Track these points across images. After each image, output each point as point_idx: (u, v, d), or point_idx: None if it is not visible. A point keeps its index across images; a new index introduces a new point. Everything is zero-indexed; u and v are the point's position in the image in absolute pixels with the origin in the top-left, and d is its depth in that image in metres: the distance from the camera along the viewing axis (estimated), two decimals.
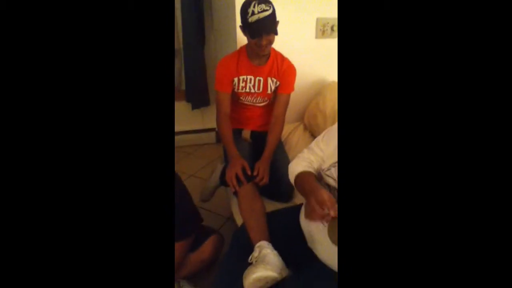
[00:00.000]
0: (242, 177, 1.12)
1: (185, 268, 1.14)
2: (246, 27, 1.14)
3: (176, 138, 2.33)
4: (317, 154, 0.95)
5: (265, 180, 1.15)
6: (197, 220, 1.16)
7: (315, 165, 0.94)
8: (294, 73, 1.32)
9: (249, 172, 1.14)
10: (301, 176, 0.91)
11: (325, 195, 0.76)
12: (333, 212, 0.72)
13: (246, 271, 0.82)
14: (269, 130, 1.32)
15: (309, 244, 0.88)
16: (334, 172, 0.86)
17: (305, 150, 0.99)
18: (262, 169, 1.16)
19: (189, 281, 1.13)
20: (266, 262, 0.83)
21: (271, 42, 1.18)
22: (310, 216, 0.78)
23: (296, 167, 0.94)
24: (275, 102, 1.34)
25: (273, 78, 1.30)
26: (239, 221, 1.22)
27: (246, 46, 1.27)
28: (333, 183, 0.85)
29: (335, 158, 0.87)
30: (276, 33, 1.15)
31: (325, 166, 0.89)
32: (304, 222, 0.91)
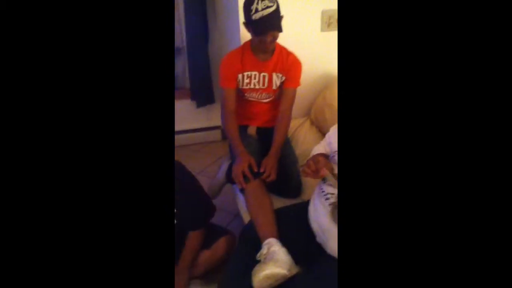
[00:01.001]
0: (248, 174, 1.11)
1: (198, 267, 1.14)
2: (250, 24, 1.13)
3: (182, 136, 2.33)
4: (326, 144, 1.03)
5: (272, 176, 1.13)
6: (209, 210, 1.17)
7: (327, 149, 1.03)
8: (299, 67, 1.29)
9: (255, 169, 1.12)
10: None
11: (321, 157, 0.86)
12: (323, 171, 0.83)
13: (255, 268, 0.81)
14: (275, 126, 1.30)
15: (318, 239, 0.86)
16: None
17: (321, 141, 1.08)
18: (269, 165, 1.15)
19: (202, 281, 1.13)
20: (276, 260, 0.82)
21: (275, 38, 1.16)
22: (303, 172, 0.88)
23: (312, 152, 1.05)
24: (281, 97, 1.32)
25: (278, 74, 1.28)
26: (246, 218, 1.20)
27: (251, 41, 1.25)
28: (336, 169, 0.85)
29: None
30: (280, 30, 1.13)
31: (331, 153, 0.88)
32: (313, 216, 0.89)
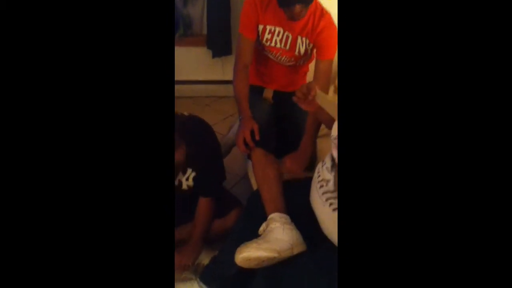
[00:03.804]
0: (250, 142, 1.00)
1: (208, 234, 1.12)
2: None
3: (192, 87, 2.22)
4: None
5: (296, 171, 1.00)
6: (222, 177, 1.12)
7: None
8: (334, 33, 1.06)
9: (257, 137, 1.01)
10: None
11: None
12: (313, 92, 0.78)
13: (238, 248, 0.78)
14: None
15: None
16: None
17: None
18: (293, 162, 1.00)
19: (207, 248, 1.12)
20: (266, 239, 0.78)
21: (306, 7, 0.97)
22: (295, 98, 0.85)
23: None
24: (314, 70, 1.13)
25: (304, 38, 1.09)
26: (254, 183, 1.16)
27: None
28: (335, 154, 0.77)
29: None
30: (310, 2, 0.95)
31: (334, 133, 0.80)
32: (311, 198, 0.84)
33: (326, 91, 1.14)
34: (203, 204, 1.06)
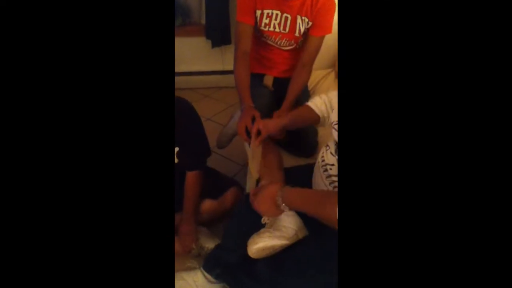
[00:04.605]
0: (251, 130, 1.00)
1: (201, 215, 1.13)
2: None
3: (192, 78, 2.21)
4: (327, 101, 0.91)
5: (281, 135, 1.02)
6: (207, 152, 1.12)
7: (323, 108, 0.92)
8: (332, 10, 1.08)
9: None
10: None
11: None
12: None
13: (251, 239, 0.77)
14: (292, 77, 1.15)
15: None
16: None
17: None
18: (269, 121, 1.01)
19: (208, 230, 1.12)
20: (275, 228, 0.77)
21: None
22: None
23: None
24: (304, 45, 1.14)
25: (304, 17, 1.09)
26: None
27: None
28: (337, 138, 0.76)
29: None
30: None
31: (333, 118, 0.79)
32: (313, 184, 0.83)
33: (311, 65, 1.15)
34: (190, 177, 1.06)
